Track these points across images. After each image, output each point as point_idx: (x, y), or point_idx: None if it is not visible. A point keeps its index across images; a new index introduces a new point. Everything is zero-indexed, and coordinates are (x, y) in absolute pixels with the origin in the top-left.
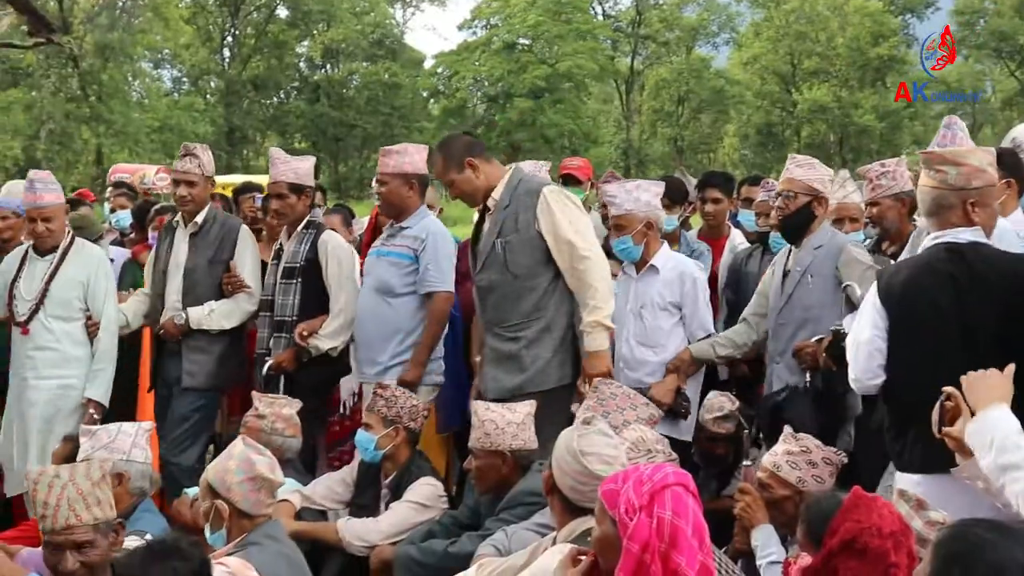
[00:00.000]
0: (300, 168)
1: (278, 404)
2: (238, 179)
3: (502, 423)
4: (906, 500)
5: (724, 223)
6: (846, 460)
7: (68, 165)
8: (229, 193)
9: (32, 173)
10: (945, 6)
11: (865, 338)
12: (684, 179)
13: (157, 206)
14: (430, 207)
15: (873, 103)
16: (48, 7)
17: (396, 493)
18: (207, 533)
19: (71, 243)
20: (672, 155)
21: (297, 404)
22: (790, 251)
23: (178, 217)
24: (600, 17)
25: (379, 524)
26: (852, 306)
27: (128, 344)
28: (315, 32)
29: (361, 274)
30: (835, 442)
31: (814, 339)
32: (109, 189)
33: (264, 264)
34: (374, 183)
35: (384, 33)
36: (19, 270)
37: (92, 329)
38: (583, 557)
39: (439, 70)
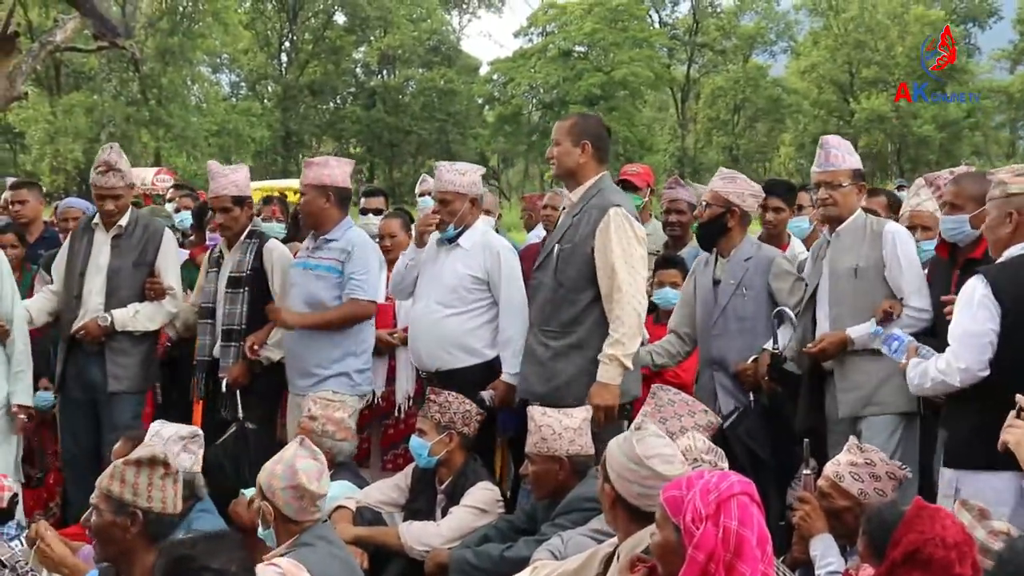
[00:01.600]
0: (239, 180)
1: (331, 407)
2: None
3: (559, 428)
4: (968, 509)
5: (784, 232)
6: (910, 475)
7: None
8: (291, 196)
9: None
10: (1008, 15)
11: (978, 330)
12: (689, 188)
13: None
14: (488, 212)
15: (932, 113)
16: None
17: (452, 498)
18: (259, 530)
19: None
20: (727, 164)
21: (350, 407)
22: (716, 261)
23: (96, 219)
24: (657, 25)
25: (439, 528)
26: (782, 328)
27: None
28: (372, 38)
29: None
30: (791, 458)
31: (751, 359)
32: (171, 190)
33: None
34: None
35: (440, 39)
36: None
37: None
38: (642, 563)
39: (495, 77)
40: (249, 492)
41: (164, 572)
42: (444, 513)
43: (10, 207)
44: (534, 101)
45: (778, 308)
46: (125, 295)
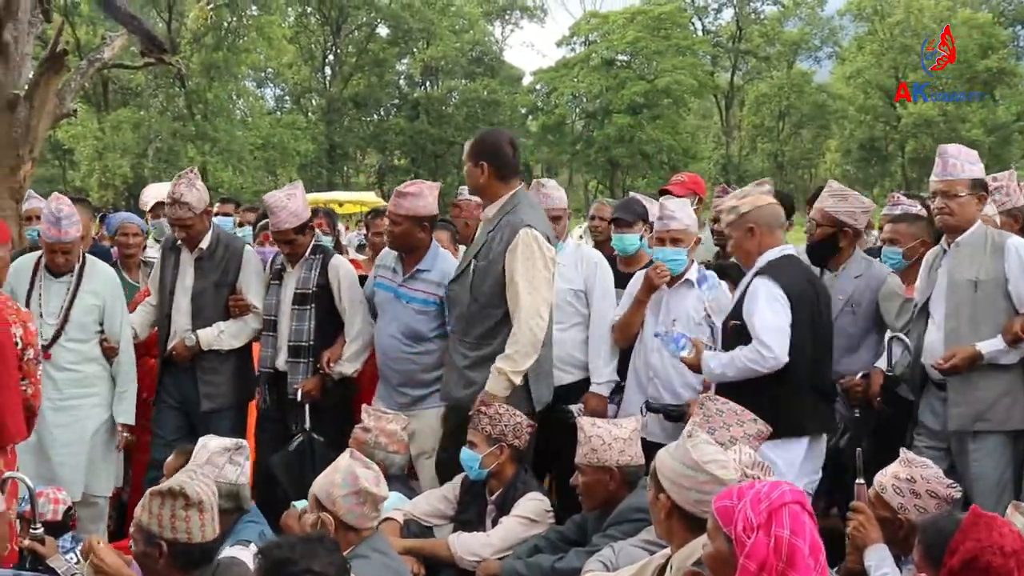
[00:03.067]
0: (298, 208)
1: (384, 419)
2: (339, 196)
3: (608, 439)
4: (1021, 513)
5: None
6: (959, 495)
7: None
8: (337, 208)
9: (55, 205)
10: None
11: (781, 323)
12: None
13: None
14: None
15: (981, 117)
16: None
17: (502, 509)
18: None
19: (84, 264)
20: (772, 171)
21: (404, 420)
22: (822, 275)
23: (183, 244)
24: (700, 33)
25: (490, 539)
26: (894, 349)
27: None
28: (415, 50)
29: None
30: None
31: (859, 376)
32: (216, 204)
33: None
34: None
35: (483, 50)
36: (30, 288)
37: (107, 350)
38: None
39: (538, 87)
40: (301, 504)
41: (266, 573)
42: (494, 524)
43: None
44: (577, 110)
45: (893, 334)
46: (209, 314)
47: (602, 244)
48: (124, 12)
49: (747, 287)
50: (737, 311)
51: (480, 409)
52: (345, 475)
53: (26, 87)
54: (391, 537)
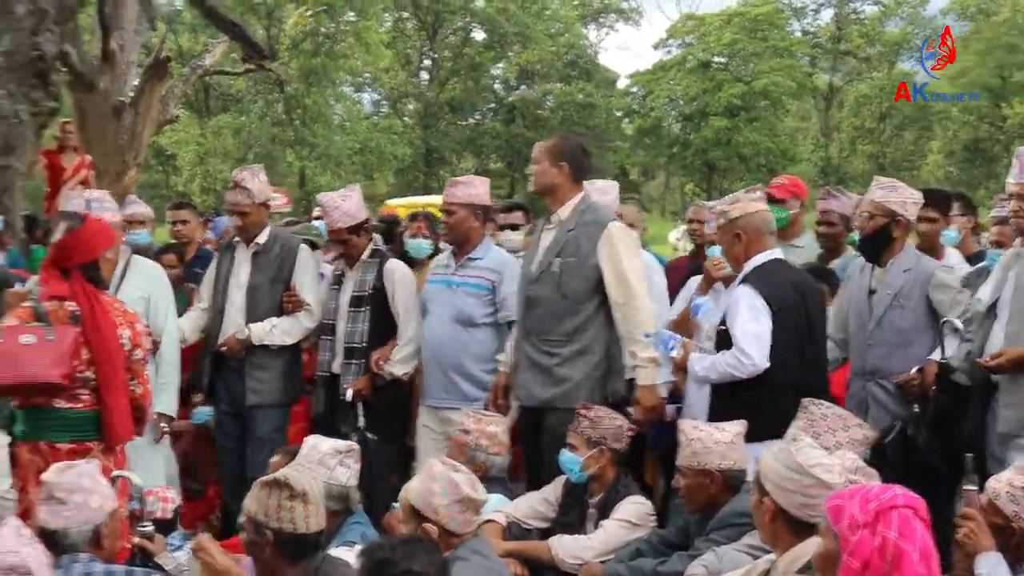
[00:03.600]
0: (351, 208)
1: (484, 421)
2: (436, 200)
3: (710, 442)
4: None
5: (938, 243)
6: None
7: (273, 185)
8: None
9: (89, 192)
10: None
11: (761, 330)
12: (844, 197)
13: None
14: (632, 226)
15: None
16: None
17: (603, 512)
18: None
19: (129, 261)
20: (873, 172)
21: (504, 421)
22: (872, 270)
23: (238, 236)
24: (798, 34)
25: (591, 541)
26: (947, 338)
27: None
28: (510, 54)
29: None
30: (961, 466)
31: (913, 370)
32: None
33: None
34: None
35: (578, 54)
36: None
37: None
38: None
39: (633, 89)
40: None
41: (368, 573)
42: (596, 527)
43: (172, 227)
44: (673, 113)
45: (945, 319)
46: (264, 310)
47: (701, 247)
48: (226, 19)
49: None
50: (724, 317)
51: (580, 412)
52: (444, 483)
53: (131, 94)
54: (492, 539)
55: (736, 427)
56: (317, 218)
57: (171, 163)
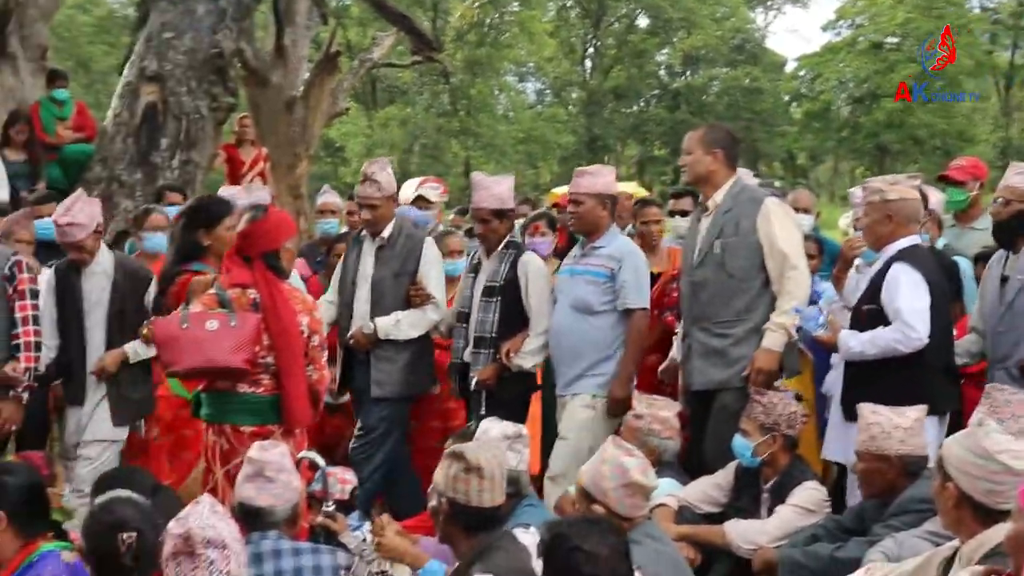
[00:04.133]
0: (502, 193)
1: (656, 406)
2: None
3: (889, 427)
4: None
5: None
6: None
7: (439, 177)
8: None
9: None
10: None
11: (922, 306)
12: None
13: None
14: (807, 211)
15: None
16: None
17: (776, 497)
18: None
19: None
20: None
21: (676, 406)
22: (1007, 257)
23: (365, 229)
24: (977, 10)
25: (766, 526)
26: None
27: None
28: (675, 39)
29: None
30: None
31: None
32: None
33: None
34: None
35: (745, 38)
36: None
37: None
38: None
39: (801, 73)
40: (573, 488)
41: (544, 548)
42: (769, 513)
43: (349, 216)
44: (843, 96)
45: None
46: (389, 303)
47: None
48: (396, 12)
49: (880, 273)
50: (871, 296)
51: (754, 398)
52: (613, 467)
53: (302, 88)
54: (665, 523)
55: (916, 412)
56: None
57: (340, 155)
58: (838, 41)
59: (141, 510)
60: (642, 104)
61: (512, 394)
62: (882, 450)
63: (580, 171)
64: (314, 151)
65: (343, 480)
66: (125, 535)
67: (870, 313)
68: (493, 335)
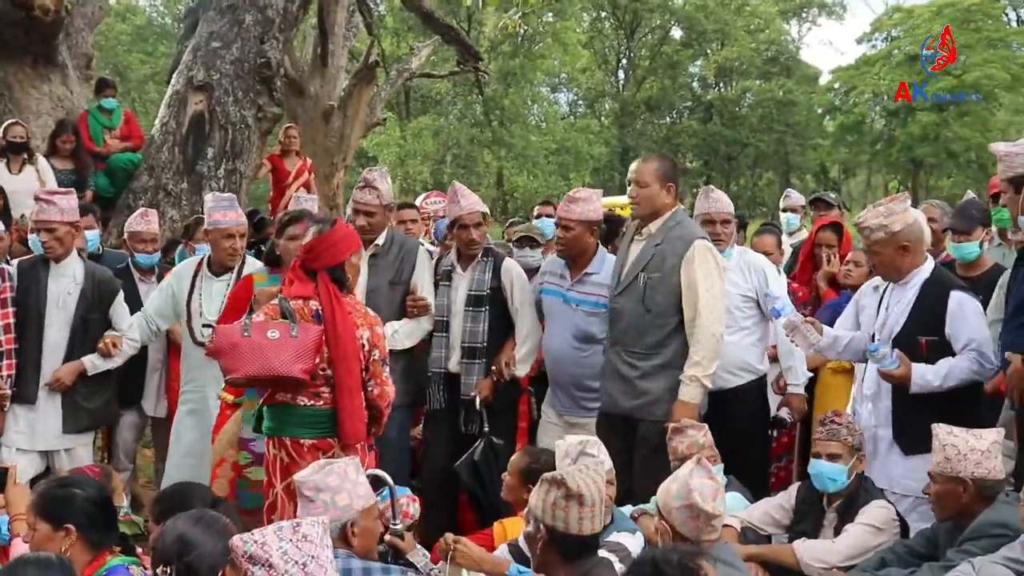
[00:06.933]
0: (478, 199)
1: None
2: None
3: (964, 449)
4: None
5: None
6: None
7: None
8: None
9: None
10: None
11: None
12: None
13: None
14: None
15: None
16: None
17: (843, 517)
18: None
19: (243, 263)
20: None
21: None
22: None
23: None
24: (1014, 24)
25: (836, 545)
26: None
27: None
28: (709, 51)
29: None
30: None
31: None
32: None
33: None
34: None
35: (779, 50)
36: (191, 288)
37: None
38: None
39: (836, 85)
40: (650, 506)
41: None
42: (836, 533)
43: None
44: (877, 109)
45: None
46: (384, 313)
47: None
48: (442, 23)
49: (924, 302)
50: (928, 326)
51: (835, 421)
52: (680, 486)
53: (340, 98)
54: (731, 544)
55: (993, 434)
56: (538, 216)
57: (373, 165)
58: (873, 54)
59: (207, 527)
60: (675, 116)
61: (507, 403)
62: (956, 472)
63: (572, 197)
64: (350, 161)
65: (412, 498)
66: (165, 568)
67: (932, 345)
68: (485, 344)
